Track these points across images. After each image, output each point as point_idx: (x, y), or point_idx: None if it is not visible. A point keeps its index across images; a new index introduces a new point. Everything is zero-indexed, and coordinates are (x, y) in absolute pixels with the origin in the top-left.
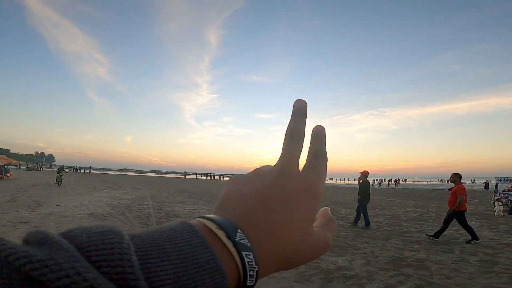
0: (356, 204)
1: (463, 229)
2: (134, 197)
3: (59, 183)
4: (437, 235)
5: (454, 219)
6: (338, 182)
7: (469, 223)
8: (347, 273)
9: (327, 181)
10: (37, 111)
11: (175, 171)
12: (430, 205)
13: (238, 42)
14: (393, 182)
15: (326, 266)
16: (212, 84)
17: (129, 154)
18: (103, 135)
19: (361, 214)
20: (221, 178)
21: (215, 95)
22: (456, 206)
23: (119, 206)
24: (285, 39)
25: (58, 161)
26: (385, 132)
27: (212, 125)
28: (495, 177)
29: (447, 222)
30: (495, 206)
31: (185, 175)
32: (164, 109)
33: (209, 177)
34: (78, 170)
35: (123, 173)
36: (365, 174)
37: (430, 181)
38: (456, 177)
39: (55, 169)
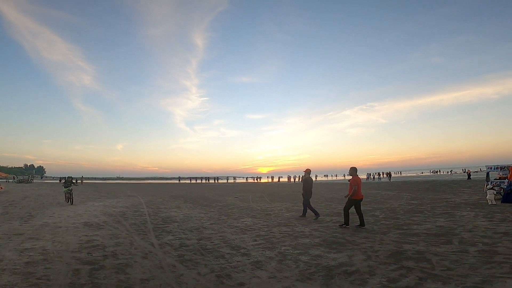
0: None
1: (459, 220)
2: (129, 204)
3: (70, 201)
4: (347, 223)
5: (356, 205)
6: (333, 178)
7: (464, 212)
8: (349, 269)
9: (321, 178)
10: (24, 123)
11: (169, 176)
12: (424, 196)
13: (225, 44)
14: (384, 175)
15: (327, 263)
16: (201, 88)
17: (121, 162)
18: (93, 145)
19: (306, 208)
20: (216, 181)
21: (205, 98)
22: (351, 194)
23: (114, 214)
24: (271, 39)
25: (49, 173)
26: (375, 126)
27: (203, 129)
28: (486, 166)
29: (356, 210)
30: (488, 195)
31: (179, 180)
32: (154, 115)
33: (204, 181)
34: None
35: (116, 181)
36: (307, 171)
37: (422, 173)
38: (352, 171)
39: (61, 181)
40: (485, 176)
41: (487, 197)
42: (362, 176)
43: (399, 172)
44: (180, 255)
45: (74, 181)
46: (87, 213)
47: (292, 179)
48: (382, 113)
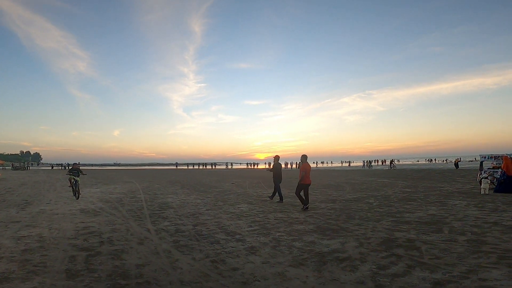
0: (347, 186)
1: (450, 209)
2: (125, 191)
3: (76, 194)
4: (305, 204)
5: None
6: (330, 165)
7: (457, 201)
8: (340, 256)
9: (319, 165)
10: (19, 110)
11: (167, 162)
12: (419, 184)
13: (223, 30)
14: (378, 163)
15: (320, 250)
16: (198, 74)
17: (118, 148)
18: (90, 131)
19: (277, 191)
20: (213, 167)
21: (203, 84)
22: (300, 179)
23: (110, 200)
24: (270, 25)
25: (45, 159)
26: (373, 113)
27: (201, 115)
28: (480, 155)
29: (301, 193)
30: (481, 184)
31: (176, 166)
32: (151, 101)
33: (201, 167)
34: (66, 167)
35: (113, 167)
36: (276, 158)
37: (418, 161)
38: (303, 158)
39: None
40: (479, 165)
41: (481, 186)
42: (358, 163)
43: (398, 160)
44: (176, 240)
45: (82, 171)
46: (83, 200)
47: (289, 166)
48: (380, 101)
